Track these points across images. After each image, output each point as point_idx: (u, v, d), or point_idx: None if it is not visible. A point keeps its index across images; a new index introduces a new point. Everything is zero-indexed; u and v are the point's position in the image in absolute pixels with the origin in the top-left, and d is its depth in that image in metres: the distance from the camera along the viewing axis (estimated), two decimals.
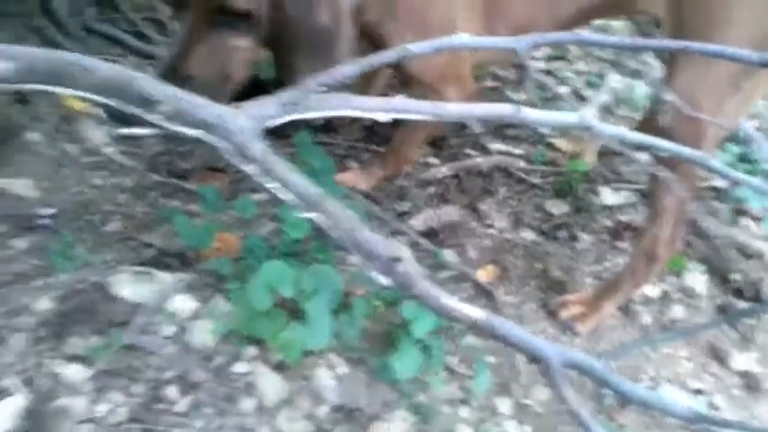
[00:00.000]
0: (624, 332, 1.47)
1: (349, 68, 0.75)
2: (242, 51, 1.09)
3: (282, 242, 1.35)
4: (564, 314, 1.43)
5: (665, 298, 1.55)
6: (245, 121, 0.71)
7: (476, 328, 0.85)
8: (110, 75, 0.70)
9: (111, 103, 0.70)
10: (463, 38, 0.78)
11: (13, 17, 1.61)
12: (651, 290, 1.54)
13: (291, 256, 1.32)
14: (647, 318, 1.50)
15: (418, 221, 1.60)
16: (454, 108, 0.84)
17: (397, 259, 0.77)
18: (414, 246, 1.50)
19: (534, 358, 0.87)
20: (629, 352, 1.40)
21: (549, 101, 2.11)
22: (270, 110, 0.74)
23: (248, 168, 0.74)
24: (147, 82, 0.69)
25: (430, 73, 1.32)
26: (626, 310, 1.50)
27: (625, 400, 1.02)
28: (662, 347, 1.44)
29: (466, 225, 1.63)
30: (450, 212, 1.65)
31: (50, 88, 0.72)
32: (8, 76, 0.72)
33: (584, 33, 0.86)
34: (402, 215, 1.60)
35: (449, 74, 1.35)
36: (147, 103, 0.69)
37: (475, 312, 0.83)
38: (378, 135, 1.82)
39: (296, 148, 1.49)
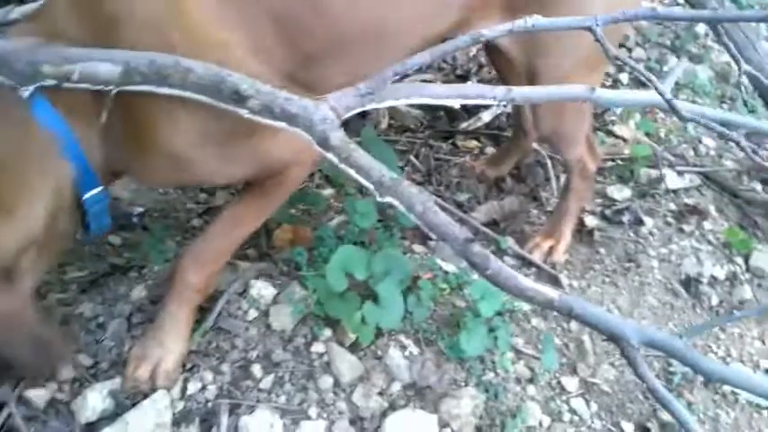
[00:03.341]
0: (693, 313, 1.46)
1: (421, 57, 0.80)
2: None
3: (350, 232, 1.42)
4: (537, 255, 1.51)
5: (734, 279, 1.53)
6: (327, 112, 0.78)
7: (552, 308, 0.87)
8: (205, 73, 0.77)
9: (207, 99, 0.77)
10: (539, 19, 0.79)
11: None
12: (719, 271, 1.53)
13: (359, 245, 1.38)
14: (715, 299, 1.49)
15: (480, 213, 1.64)
16: (528, 91, 0.88)
17: (472, 240, 0.82)
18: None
19: (612, 337, 0.89)
20: (702, 332, 1.40)
21: (611, 88, 2.10)
22: (349, 100, 0.80)
23: (328, 155, 0.80)
24: (239, 79, 0.77)
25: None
26: (694, 292, 1.49)
27: (705, 377, 1.02)
28: (732, 327, 1.43)
29: (527, 213, 1.66)
30: (512, 203, 1.67)
31: (152, 88, 0.81)
32: (114, 78, 0.81)
33: (660, 9, 0.88)
34: (461, 205, 1.64)
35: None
36: (239, 98, 0.77)
37: (551, 293, 0.86)
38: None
39: (362, 142, 1.56)
